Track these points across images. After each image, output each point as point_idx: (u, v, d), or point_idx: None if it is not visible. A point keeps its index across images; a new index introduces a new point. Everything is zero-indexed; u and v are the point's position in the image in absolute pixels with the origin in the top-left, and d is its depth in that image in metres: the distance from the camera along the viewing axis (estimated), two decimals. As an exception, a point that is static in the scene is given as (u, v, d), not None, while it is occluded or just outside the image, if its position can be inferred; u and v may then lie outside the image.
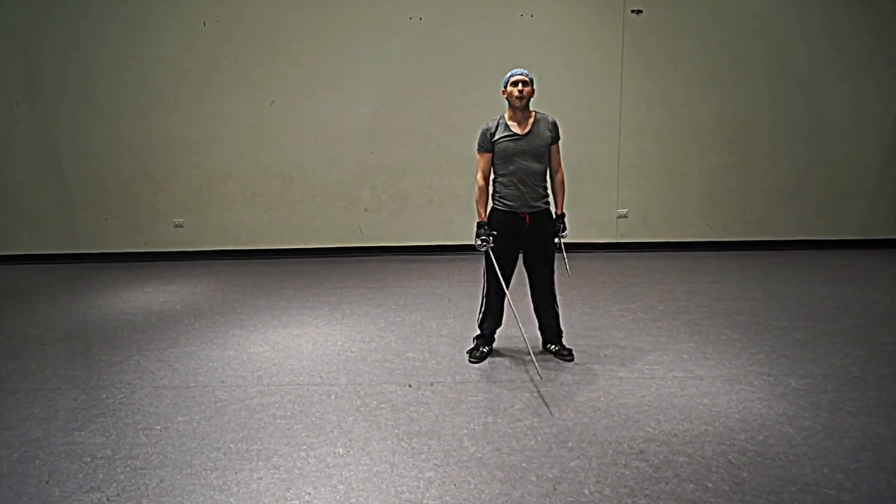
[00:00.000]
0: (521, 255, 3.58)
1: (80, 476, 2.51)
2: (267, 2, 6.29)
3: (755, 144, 6.65)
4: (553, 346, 3.69)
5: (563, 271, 3.82)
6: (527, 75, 3.34)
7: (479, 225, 3.46)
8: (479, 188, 3.49)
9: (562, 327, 3.71)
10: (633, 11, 6.28)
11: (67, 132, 6.50)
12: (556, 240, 3.55)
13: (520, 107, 3.34)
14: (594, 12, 6.37)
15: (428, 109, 6.54)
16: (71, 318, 4.72)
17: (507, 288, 3.61)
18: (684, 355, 3.68)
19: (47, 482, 2.47)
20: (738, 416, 2.89)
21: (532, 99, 3.39)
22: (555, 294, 3.64)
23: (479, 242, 3.45)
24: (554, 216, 3.54)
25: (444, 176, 6.68)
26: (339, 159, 6.64)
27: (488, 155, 3.45)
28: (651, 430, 2.76)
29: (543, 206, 3.47)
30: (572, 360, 3.60)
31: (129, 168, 6.58)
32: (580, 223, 6.67)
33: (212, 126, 6.51)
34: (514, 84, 3.31)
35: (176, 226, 6.72)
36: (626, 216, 6.78)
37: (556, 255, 3.60)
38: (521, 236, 3.47)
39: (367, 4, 6.32)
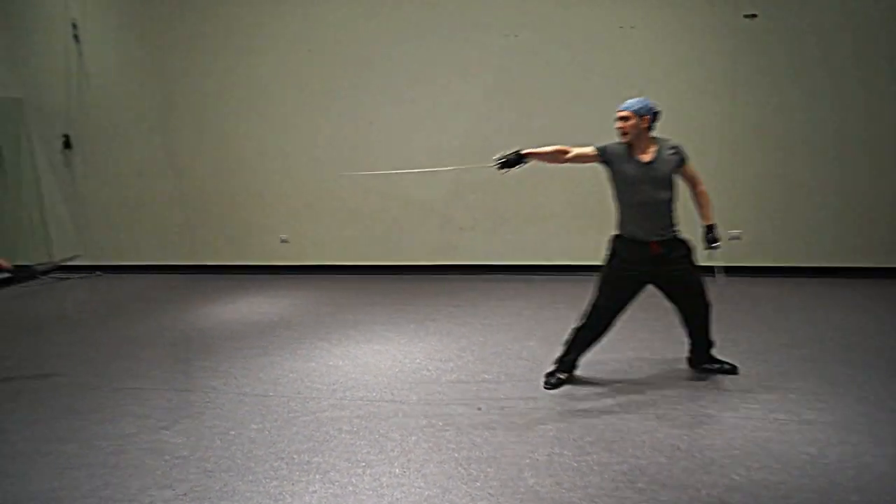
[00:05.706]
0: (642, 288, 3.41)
1: (158, 473, 2.67)
2: (367, 31, 6.56)
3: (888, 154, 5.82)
4: (713, 365, 3.59)
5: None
6: (629, 109, 3.22)
7: (519, 154, 3.32)
8: (557, 149, 3.35)
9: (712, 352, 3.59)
10: (745, 16, 5.81)
11: (190, 157, 7.18)
12: (707, 251, 3.42)
13: (626, 141, 3.26)
14: (700, 19, 5.95)
15: (524, 126, 6.44)
16: (179, 324, 5.12)
17: (618, 316, 3.45)
18: (791, 395, 3.24)
19: (130, 475, 2.65)
20: (851, 471, 2.48)
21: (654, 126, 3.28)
22: (707, 326, 3.49)
23: (499, 158, 3.34)
24: (703, 229, 3.41)
25: (541, 193, 6.52)
26: (434, 177, 6.71)
27: (595, 157, 3.32)
28: (737, 477, 2.44)
29: (672, 233, 3.30)
30: (735, 372, 3.53)
31: (242, 187, 7.11)
32: (686, 244, 6.19)
33: (317, 147, 6.90)
34: (617, 119, 3.27)
35: (282, 241, 7.14)
36: (738, 237, 6.21)
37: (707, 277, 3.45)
38: (649, 265, 3.28)
39: (463, 26, 6.38)
